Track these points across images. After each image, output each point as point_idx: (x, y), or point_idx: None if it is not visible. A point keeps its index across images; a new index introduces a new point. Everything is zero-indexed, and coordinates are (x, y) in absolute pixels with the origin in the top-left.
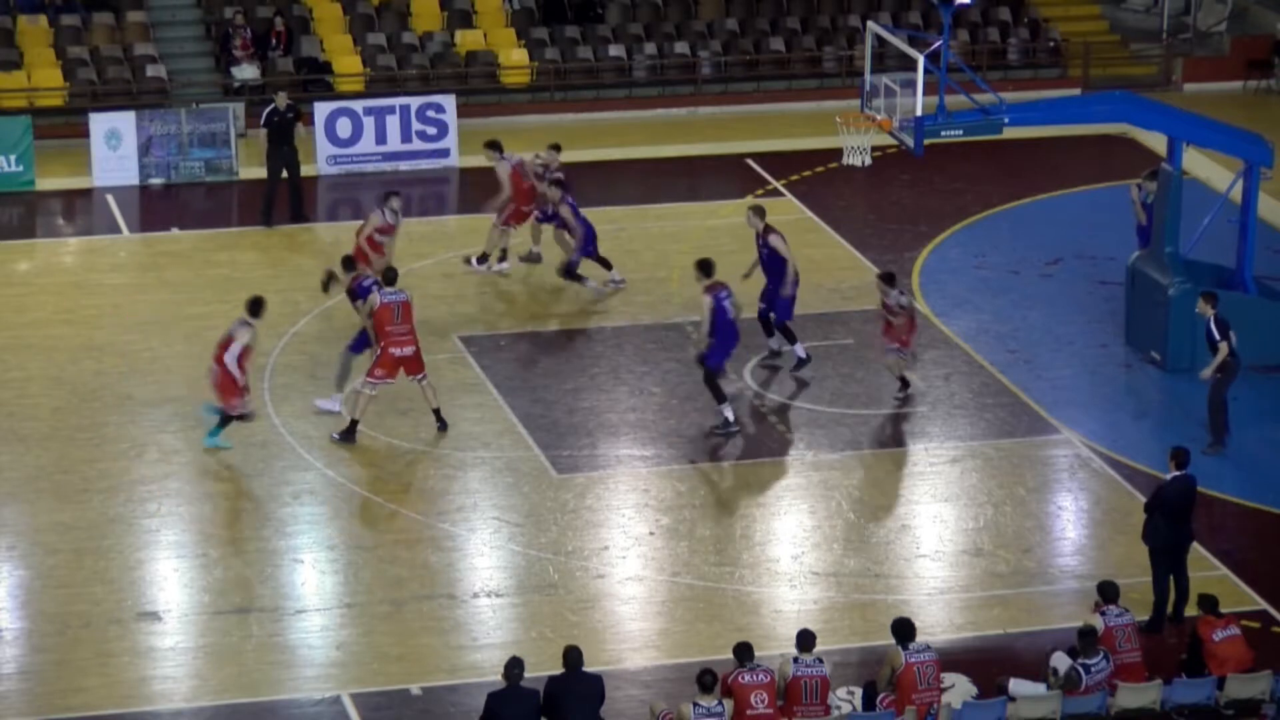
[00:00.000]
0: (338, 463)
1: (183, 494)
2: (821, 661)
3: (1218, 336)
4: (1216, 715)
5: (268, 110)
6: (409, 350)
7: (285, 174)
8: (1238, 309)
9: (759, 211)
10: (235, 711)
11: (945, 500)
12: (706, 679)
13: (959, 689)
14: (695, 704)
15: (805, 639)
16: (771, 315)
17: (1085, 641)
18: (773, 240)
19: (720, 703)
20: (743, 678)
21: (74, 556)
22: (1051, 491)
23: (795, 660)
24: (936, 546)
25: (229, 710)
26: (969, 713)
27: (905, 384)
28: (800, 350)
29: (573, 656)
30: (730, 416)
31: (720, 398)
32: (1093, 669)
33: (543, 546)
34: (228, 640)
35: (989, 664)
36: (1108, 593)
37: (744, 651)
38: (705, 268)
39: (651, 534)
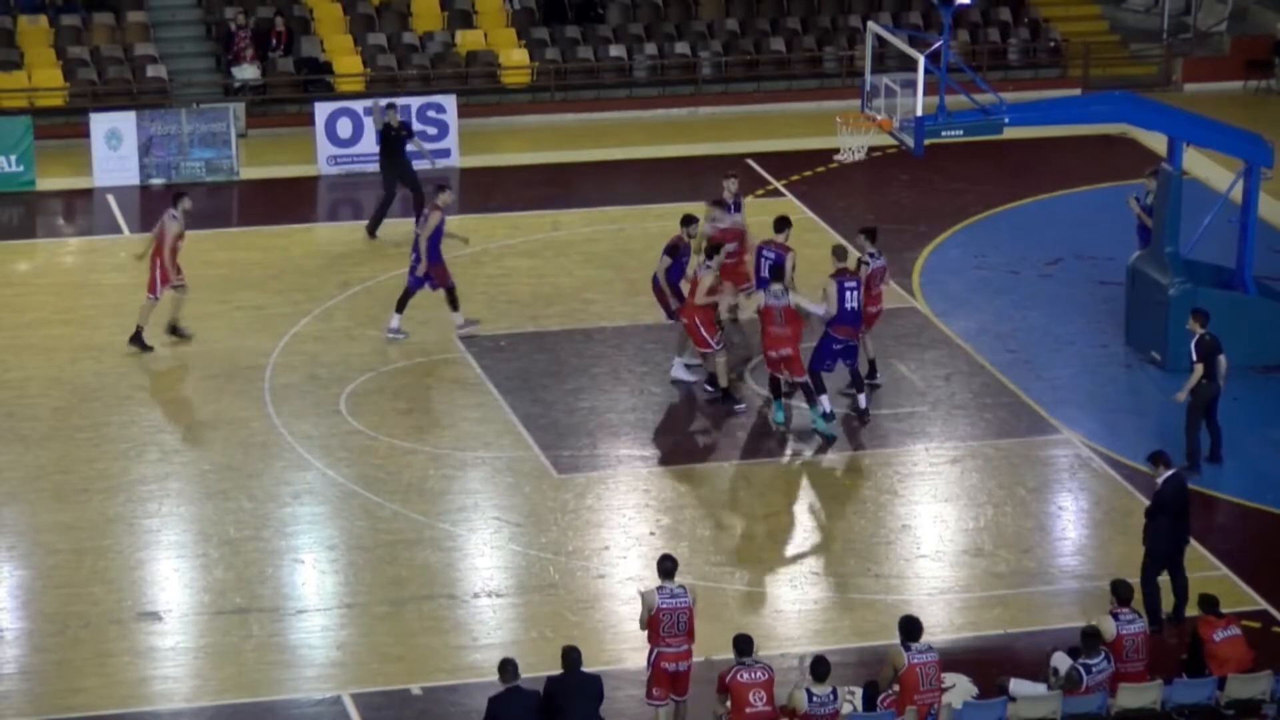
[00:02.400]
0: (338, 463)
1: (183, 494)
2: (835, 697)
3: (1195, 357)
4: (1217, 715)
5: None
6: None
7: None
8: (1238, 309)
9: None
10: (235, 712)
11: (945, 500)
12: (667, 564)
13: (959, 689)
14: (660, 587)
15: (820, 668)
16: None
17: (1088, 642)
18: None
19: (683, 587)
20: (741, 676)
21: (74, 556)
22: (1052, 491)
23: (810, 696)
24: (937, 547)
25: (229, 710)
26: (969, 713)
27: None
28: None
29: (572, 656)
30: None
31: (818, 390)
32: (1094, 669)
33: (543, 546)
34: (228, 640)
35: (989, 664)
36: (1122, 593)
37: (743, 645)
38: (839, 253)
39: (652, 534)
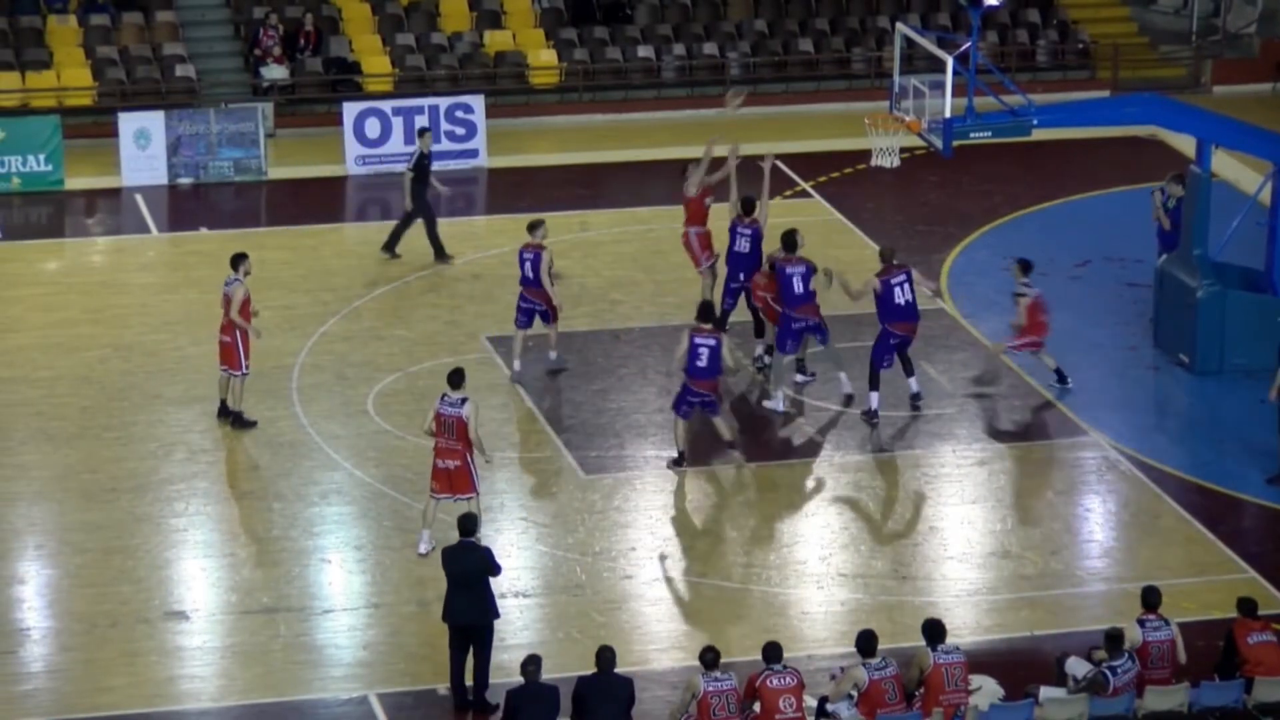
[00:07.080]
0: (366, 463)
1: (210, 493)
2: (888, 663)
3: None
4: (1245, 718)
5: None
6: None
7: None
8: (1265, 311)
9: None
10: (262, 711)
11: (973, 502)
12: (708, 656)
13: (986, 690)
14: (703, 675)
15: (864, 643)
16: None
17: (1112, 645)
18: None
19: (729, 674)
20: (770, 681)
21: (102, 556)
22: (1079, 494)
23: (868, 667)
24: (964, 548)
25: (256, 710)
26: (996, 715)
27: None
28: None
29: (606, 657)
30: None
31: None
32: (1119, 670)
33: (570, 547)
34: (255, 640)
35: (1016, 666)
36: (1150, 600)
37: (772, 652)
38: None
39: (679, 535)
